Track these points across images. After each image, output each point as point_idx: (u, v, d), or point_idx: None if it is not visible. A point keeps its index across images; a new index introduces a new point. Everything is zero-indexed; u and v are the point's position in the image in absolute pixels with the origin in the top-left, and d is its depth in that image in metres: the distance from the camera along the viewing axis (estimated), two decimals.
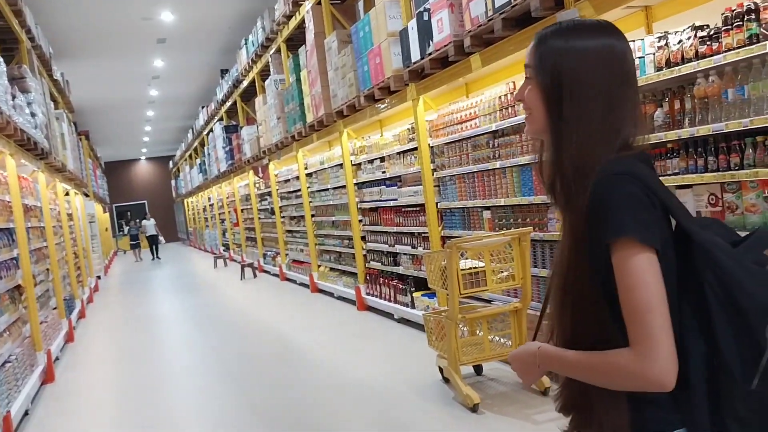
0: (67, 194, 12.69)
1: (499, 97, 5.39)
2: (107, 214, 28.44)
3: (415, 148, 6.74)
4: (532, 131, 1.37)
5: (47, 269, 8.52)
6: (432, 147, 6.51)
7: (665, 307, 1.14)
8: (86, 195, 17.68)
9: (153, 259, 23.07)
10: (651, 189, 1.19)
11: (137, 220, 24.88)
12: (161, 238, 23.61)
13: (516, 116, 5.16)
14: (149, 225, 23.35)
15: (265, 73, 12.27)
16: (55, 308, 8.68)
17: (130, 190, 35.50)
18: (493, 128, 5.45)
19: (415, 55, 5.93)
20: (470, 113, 5.82)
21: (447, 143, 6.25)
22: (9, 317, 5.80)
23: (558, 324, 1.31)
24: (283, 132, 10.97)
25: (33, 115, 7.44)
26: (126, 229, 28.42)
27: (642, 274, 1.14)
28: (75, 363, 7.53)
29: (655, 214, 1.18)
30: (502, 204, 5.48)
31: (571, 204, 1.27)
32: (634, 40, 3.84)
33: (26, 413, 5.46)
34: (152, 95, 19.71)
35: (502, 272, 4.55)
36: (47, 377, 6.56)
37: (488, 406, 4.34)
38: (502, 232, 4.93)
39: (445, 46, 5.34)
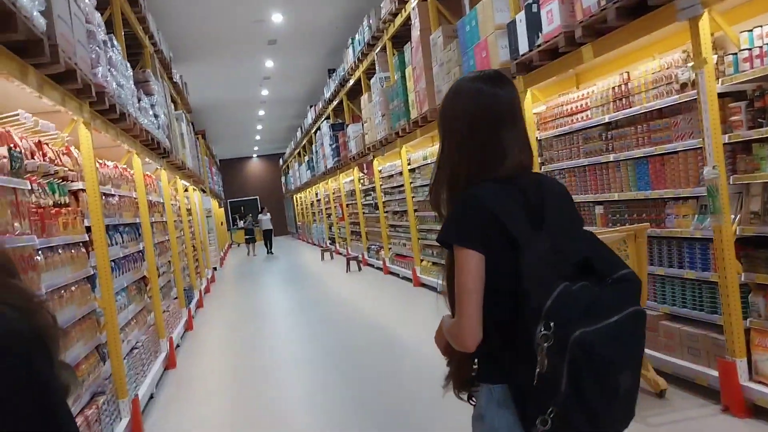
0: (186, 190, 13.42)
1: (612, 88, 5.19)
2: (222, 209, 29.84)
3: None
4: None
5: (169, 261, 9.04)
6: (540, 140, 6.37)
7: (477, 291, 1.54)
8: (203, 191, 18.62)
9: (268, 253, 23.11)
10: (486, 207, 1.55)
11: (253, 215, 25.02)
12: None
13: (631, 107, 4.96)
14: (265, 219, 23.45)
15: (370, 72, 12.43)
16: (175, 298, 9.21)
17: (243, 186, 37.05)
18: (606, 120, 5.26)
19: (523, 47, 5.82)
20: (581, 105, 5.65)
21: (556, 136, 6.10)
22: (136, 306, 6.21)
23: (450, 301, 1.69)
24: (387, 129, 11.08)
25: (156, 116, 7.91)
26: (240, 223, 29.27)
27: (461, 266, 1.55)
28: (194, 350, 7.96)
29: (478, 224, 1.55)
30: (616, 199, 5.28)
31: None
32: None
33: (151, 396, 5.83)
34: (263, 95, 20.45)
35: None
36: (169, 363, 6.97)
37: None
38: (617, 228, 4.75)
39: (555, 37, 5.20)
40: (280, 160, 36.16)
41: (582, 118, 5.62)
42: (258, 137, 31.07)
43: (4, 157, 3.42)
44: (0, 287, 0.89)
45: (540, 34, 5.45)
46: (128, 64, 6.54)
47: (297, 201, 31.99)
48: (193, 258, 12.26)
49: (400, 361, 6.15)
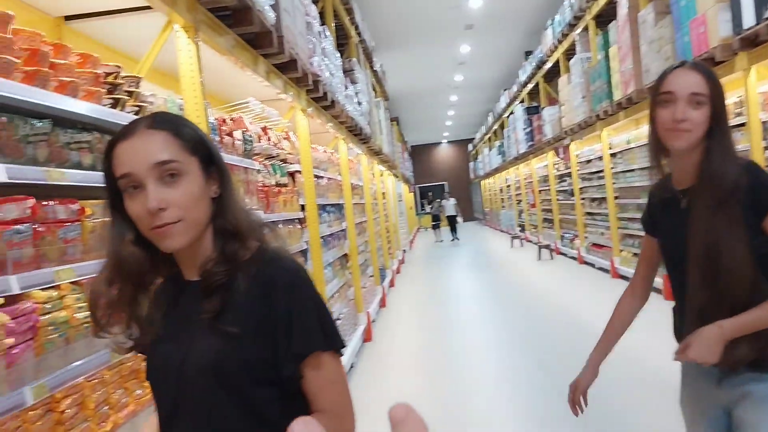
0: (381, 175, 13.99)
1: None
2: (411, 194, 30.63)
3: (741, 125, 6.06)
4: (690, 142, 1.77)
5: (366, 241, 9.52)
6: (765, 123, 5.78)
7: None
8: (395, 176, 19.26)
9: (452, 239, 22.35)
10: None
11: (438, 200, 24.52)
12: (459, 219, 22.89)
13: None
14: (449, 205, 22.81)
15: (570, 53, 12.03)
16: (371, 276, 9.68)
17: (432, 172, 37.68)
18: None
19: (748, 21, 5.30)
20: None
21: None
22: (339, 281, 6.63)
23: (712, 300, 1.72)
24: (587, 111, 10.67)
25: (359, 104, 8.33)
26: (428, 208, 29.53)
27: None
28: (388, 326, 8.33)
29: None
30: None
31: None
32: None
33: (351, 366, 6.21)
34: (456, 81, 20.61)
35: None
36: (367, 336, 7.37)
37: None
38: None
39: None
40: (469, 146, 36.22)
41: None
42: (449, 123, 31.39)
43: (239, 140, 3.82)
44: (270, 240, 1.35)
45: None
46: (338, 54, 6.94)
47: (485, 187, 31.90)
48: (386, 239, 12.77)
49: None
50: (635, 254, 9.60)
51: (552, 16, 12.69)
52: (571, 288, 10.25)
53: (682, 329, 1.84)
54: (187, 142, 1.25)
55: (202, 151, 1.27)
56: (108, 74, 2.46)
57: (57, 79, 2.09)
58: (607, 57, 9.29)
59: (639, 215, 9.39)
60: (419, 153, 36.93)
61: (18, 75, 1.89)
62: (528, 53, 16.46)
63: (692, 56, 6.38)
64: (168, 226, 1.20)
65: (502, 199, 25.81)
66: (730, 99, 6.41)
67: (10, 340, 1.70)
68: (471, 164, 36.24)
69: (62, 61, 2.13)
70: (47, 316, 1.89)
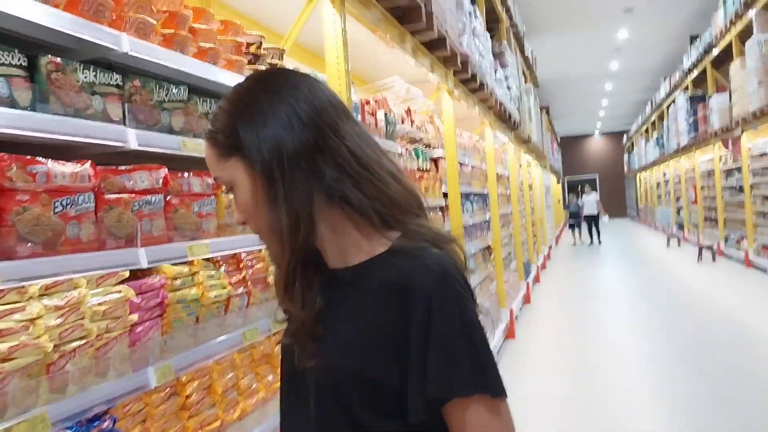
0: (528, 165, 13.45)
1: None
2: (559, 186, 29.47)
3: None
4: None
5: (510, 234, 9.13)
6: None
7: None
8: (543, 167, 18.50)
9: (591, 243, 18.68)
10: None
11: (578, 194, 20.10)
12: (605, 218, 18.89)
13: None
14: (590, 201, 18.70)
15: (744, 35, 10.85)
16: (515, 270, 9.28)
17: (582, 164, 36.10)
18: None
19: None
20: None
21: None
22: (481, 273, 6.35)
23: None
24: (764, 98, 9.55)
25: (509, 88, 7.95)
26: (566, 204, 25.62)
27: None
28: (532, 323, 7.91)
29: None
30: None
31: None
32: None
33: None
34: (612, 68, 19.49)
35: None
36: (509, 333, 7.03)
37: None
38: None
39: None
40: (624, 137, 34.32)
41: None
42: (602, 113, 29.85)
43: (381, 120, 3.66)
44: (419, 227, 1.03)
45: None
46: (488, 35, 6.63)
47: (640, 181, 30.05)
48: (531, 233, 12.26)
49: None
50: None
51: None
52: (736, 293, 9.25)
53: None
54: (221, 146, 1.00)
55: (237, 143, 0.98)
56: (250, 44, 2.36)
57: (196, 45, 2.00)
58: None
59: None
60: (569, 144, 35.51)
61: (156, 38, 1.81)
62: (693, 37, 15.17)
63: None
64: (259, 237, 1.05)
65: (659, 195, 24.16)
66: None
67: (134, 317, 1.61)
68: (625, 157, 34.34)
69: (203, 26, 2.04)
70: (177, 293, 1.79)
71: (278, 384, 2.13)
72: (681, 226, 19.17)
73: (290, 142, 0.96)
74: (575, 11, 13.43)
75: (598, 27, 14.79)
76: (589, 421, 4.43)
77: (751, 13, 10.14)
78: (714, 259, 13.10)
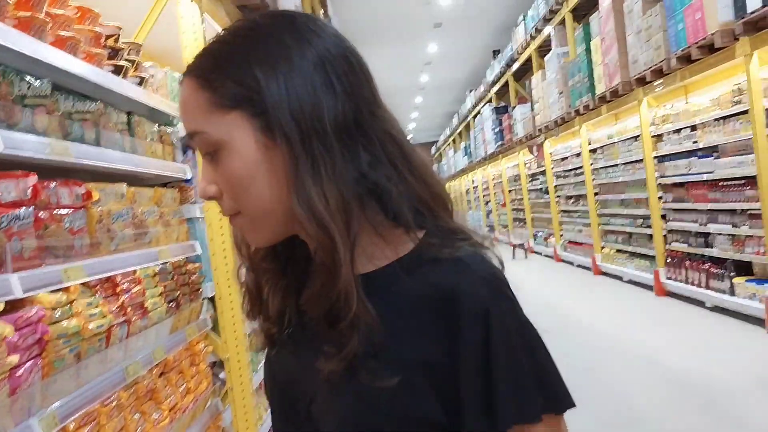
0: None
1: None
2: None
3: (741, 113, 5.93)
4: None
5: None
6: None
7: None
8: None
9: None
10: None
11: None
12: None
13: None
14: None
15: (543, 49, 11.89)
16: None
17: None
18: None
19: (753, 4, 5.14)
20: None
21: None
22: None
23: None
24: (564, 107, 10.51)
25: None
26: None
27: None
28: None
29: None
30: None
31: None
32: None
33: None
34: (422, 81, 20.38)
35: None
36: None
37: None
38: None
39: None
40: (433, 148, 36.13)
41: None
42: (413, 125, 31.19)
43: None
44: (446, 222, 0.84)
45: None
46: None
47: (450, 189, 31.85)
48: None
49: (594, 351, 5.74)
50: (618, 251, 9.46)
51: (524, 12, 12.55)
52: (554, 286, 10.06)
53: None
54: (222, 94, 0.76)
55: (250, 94, 0.75)
56: (108, 36, 2.06)
57: (54, 34, 1.69)
58: (587, 50, 9.14)
59: (622, 211, 9.25)
60: None
61: (10, 21, 1.49)
62: (496, 52, 16.32)
63: (687, 43, 6.23)
64: (232, 219, 0.81)
65: (469, 200, 25.70)
66: (728, 86, 6.28)
67: (14, 358, 1.29)
68: (435, 166, 36.15)
69: (59, 11, 1.73)
70: (57, 326, 1.48)
71: (165, 422, 1.82)
72: (492, 228, 20.55)
73: (331, 108, 0.76)
74: (389, 25, 13.86)
75: (410, 41, 15.37)
76: None
77: (549, 29, 11.12)
78: (526, 255, 14.18)
